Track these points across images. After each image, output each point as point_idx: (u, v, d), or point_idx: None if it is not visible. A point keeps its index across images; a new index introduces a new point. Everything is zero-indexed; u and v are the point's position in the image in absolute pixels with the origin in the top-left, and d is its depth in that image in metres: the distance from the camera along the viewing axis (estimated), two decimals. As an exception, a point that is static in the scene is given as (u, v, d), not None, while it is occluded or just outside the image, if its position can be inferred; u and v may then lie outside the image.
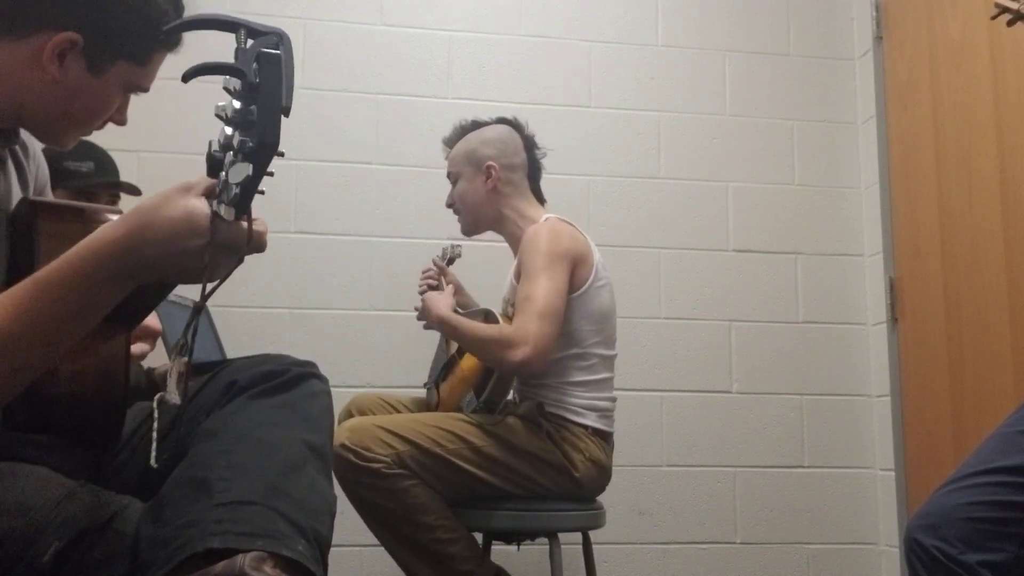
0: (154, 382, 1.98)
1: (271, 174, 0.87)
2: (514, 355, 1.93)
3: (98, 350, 1.08)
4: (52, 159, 1.42)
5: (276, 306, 2.69)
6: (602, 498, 2.14)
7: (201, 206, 0.91)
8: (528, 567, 2.43)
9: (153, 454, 1.08)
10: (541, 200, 2.28)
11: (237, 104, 0.85)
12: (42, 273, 0.93)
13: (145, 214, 0.92)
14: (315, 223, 2.74)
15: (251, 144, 0.84)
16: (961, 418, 2.43)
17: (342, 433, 1.94)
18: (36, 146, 1.30)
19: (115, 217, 1.09)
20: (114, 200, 2.19)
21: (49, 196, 1.33)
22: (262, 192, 0.88)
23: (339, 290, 2.72)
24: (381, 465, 1.91)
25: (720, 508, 2.78)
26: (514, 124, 2.28)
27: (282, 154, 0.86)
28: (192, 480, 0.97)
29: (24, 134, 1.26)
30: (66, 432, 1.10)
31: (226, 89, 0.86)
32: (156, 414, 1.14)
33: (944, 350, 2.50)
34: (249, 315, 2.66)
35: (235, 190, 0.86)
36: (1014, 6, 1.47)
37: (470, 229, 2.29)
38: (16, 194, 1.19)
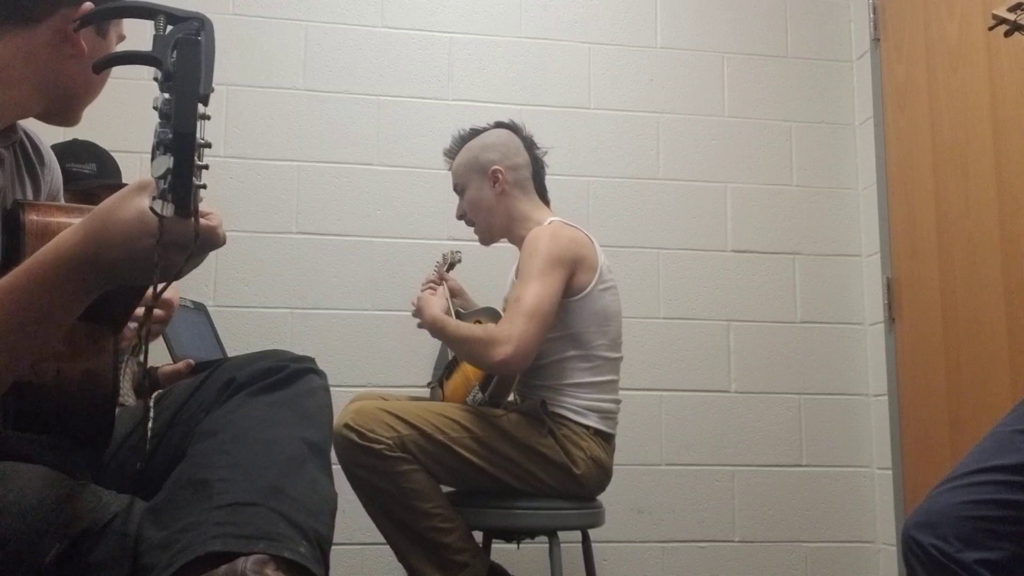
0: (156, 381, 1.99)
1: (206, 167, 0.82)
2: (495, 353, 1.93)
3: (85, 351, 1.06)
4: None
5: (277, 306, 2.69)
6: (601, 497, 2.15)
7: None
8: (528, 565, 2.44)
9: (146, 451, 1.08)
10: (546, 201, 2.29)
11: (167, 95, 0.81)
12: (3, 280, 0.90)
13: (100, 218, 0.89)
14: (316, 223, 2.75)
15: (169, 135, 0.80)
16: (958, 417, 2.44)
17: (347, 414, 1.95)
18: (51, 155, 1.29)
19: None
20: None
21: (60, 202, 1.33)
22: (203, 186, 0.84)
23: (340, 290, 2.73)
24: (383, 447, 1.92)
25: (719, 507, 2.79)
26: (512, 126, 2.28)
27: (209, 145, 0.82)
28: (192, 481, 0.97)
29: (41, 145, 1.25)
30: (54, 431, 1.09)
31: (155, 80, 0.82)
32: (152, 413, 1.14)
33: (941, 350, 2.51)
34: (250, 315, 2.67)
35: (163, 184, 0.81)
36: (1011, 17, 1.48)
37: (486, 238, 2.28)
38: (18, 194, 1.18)
